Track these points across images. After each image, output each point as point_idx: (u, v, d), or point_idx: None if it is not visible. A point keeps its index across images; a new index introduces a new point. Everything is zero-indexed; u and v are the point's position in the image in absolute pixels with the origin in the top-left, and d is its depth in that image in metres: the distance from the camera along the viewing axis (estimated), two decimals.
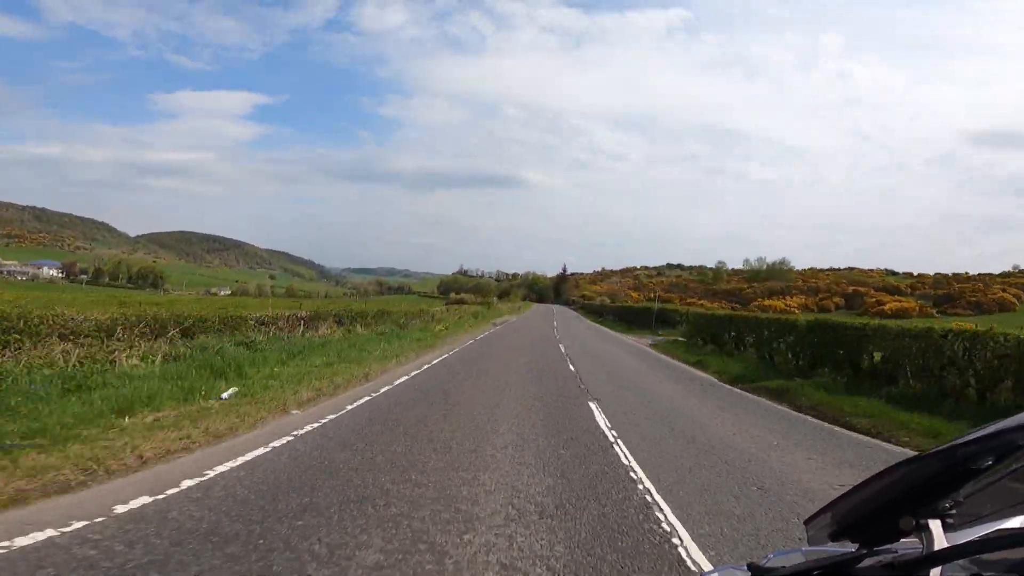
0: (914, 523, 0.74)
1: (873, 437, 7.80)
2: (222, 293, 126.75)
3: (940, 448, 0.72)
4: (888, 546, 0.81)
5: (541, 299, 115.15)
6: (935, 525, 0.74)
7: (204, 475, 4.31)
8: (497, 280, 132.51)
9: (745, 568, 0.91)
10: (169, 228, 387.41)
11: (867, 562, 0.80)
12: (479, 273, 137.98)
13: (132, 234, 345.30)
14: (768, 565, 0.90)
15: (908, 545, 0.79)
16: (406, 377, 10.53)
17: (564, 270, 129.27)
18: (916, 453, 0.78)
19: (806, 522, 0.91)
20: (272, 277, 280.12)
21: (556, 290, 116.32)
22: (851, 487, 0.81)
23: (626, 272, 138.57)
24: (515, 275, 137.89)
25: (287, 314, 15.73)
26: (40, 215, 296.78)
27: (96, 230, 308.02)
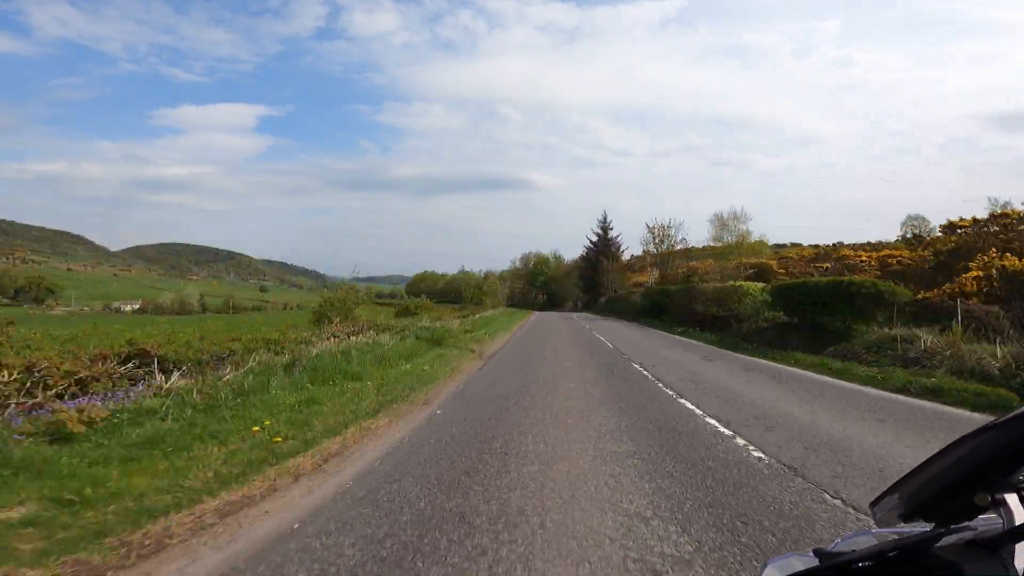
0: (989, 498, 0.70)
1: None
2: (127, 308, 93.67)
3: (1007, 418, 0.67)
4: (966, 523, 0.75)
5: (552, 301, 66.83)
6: (1012, 499, 0.70)
7: None
8: (484, 277, 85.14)
9: (811, 554, 0.86)
10: (157, 241, 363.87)
11: (946, 541, 0.74)
12: (482, 274, 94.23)
13: (115, 248, 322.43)
14: (835, 550, 0.86)
15: (987, 521, 0.74)
16: None
17: (605, 231, 61.98)
18: (981, 425, 0.71)
19: (872, 504, 0.84)
20: (263, 289, 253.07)
21: (590, 279, 59.68)
22: (917, 465, 0.76)
23: (682, 255, 77.82)
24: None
25: None
26: (8, 229, 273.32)
27: (69, 244, 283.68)
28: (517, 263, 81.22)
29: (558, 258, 76.79)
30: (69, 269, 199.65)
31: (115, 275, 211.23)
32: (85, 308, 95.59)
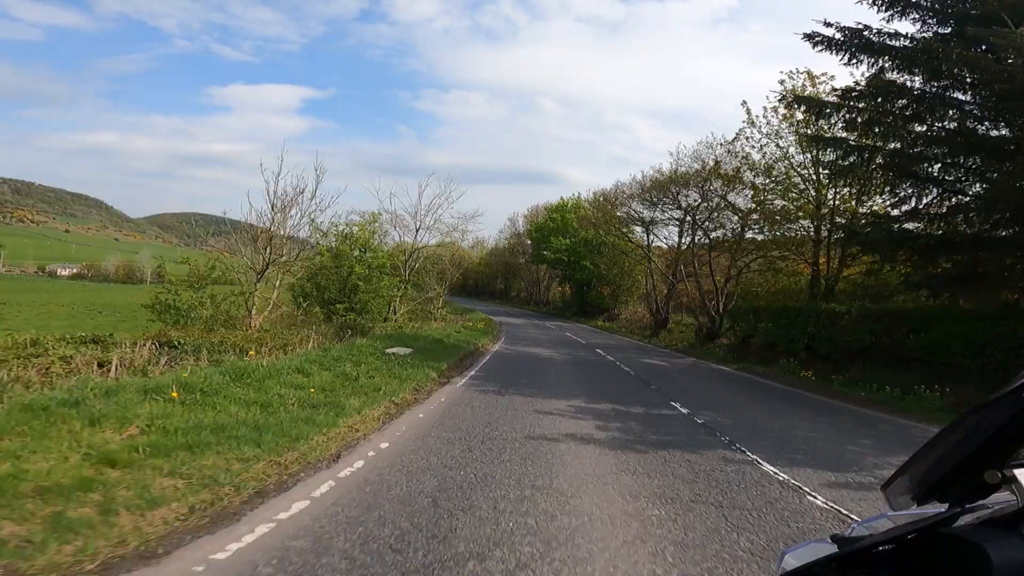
0: (1000, 476, 0.68)
1: None
2: (63, 273, 77.46)
3: (1006, 392, 0.64)
4: (981, 502, 0.74)
5: (586, 301, 35.72)
6: (1023, 475, 0.69)
7: None
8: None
9: (829, 541, 0.84)
10: (175, 210, 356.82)
11: (962, 520, 0.74)
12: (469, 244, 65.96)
13: (135, 215, 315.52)
14: (853, 535, 0.86)
15: (1002, 499, 0.73)
16: None
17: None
18: (982, 402, 0.69)
19: (883, 488, 0.82)
20: None
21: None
22: (923, 445, 0.74)
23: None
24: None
25: None
26: (21, 188, 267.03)
27: (84, 207, 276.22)
28: (520, 224, 50.70)
29: (580, 203, 36.77)
30: (67, 230, 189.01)
31: (116, 239, 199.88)
32: (18, 270, 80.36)
